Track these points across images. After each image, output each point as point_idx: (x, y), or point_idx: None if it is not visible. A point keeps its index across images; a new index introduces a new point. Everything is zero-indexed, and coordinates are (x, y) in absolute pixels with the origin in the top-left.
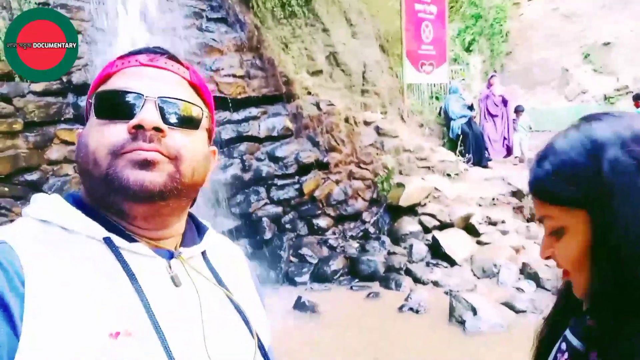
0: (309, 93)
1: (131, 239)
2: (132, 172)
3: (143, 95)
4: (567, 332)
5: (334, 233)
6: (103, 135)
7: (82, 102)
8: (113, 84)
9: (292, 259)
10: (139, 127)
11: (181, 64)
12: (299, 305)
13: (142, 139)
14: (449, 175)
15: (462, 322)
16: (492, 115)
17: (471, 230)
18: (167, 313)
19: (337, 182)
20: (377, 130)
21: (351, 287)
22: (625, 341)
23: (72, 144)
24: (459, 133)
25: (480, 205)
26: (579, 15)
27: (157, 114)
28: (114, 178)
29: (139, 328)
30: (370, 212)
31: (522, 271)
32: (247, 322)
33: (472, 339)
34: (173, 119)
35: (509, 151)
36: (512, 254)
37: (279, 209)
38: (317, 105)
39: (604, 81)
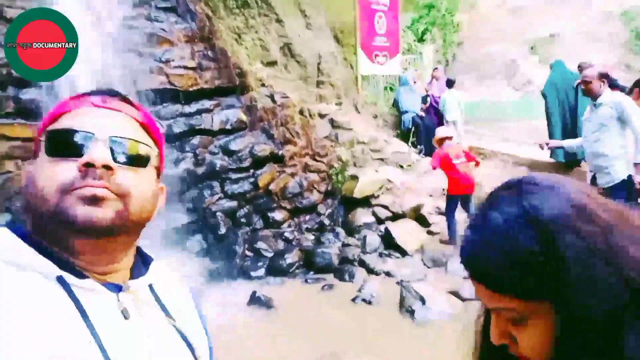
0: (263, 85)
1: (81, 275)
2: (81, 209)
3: (93, 134)
4: None
5: (289, 226)
6: (53, 173)
7: (23, 95)
8: (64, 123)
9: (247, 253)
10: (88, 165)
11: (132, 105)
12: (254, 300)
13: (91, 177)
14: (401, 166)
15: (411, 312)
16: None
17: (422, 220)
18: (118, 346)
19: (293, 175)
20: (332, 122)
21: (306, 280)
22: None
23: (13, 139)
24: (409, 126)
25: (431, 196)
26: (525, 9)
27: (108, 153)
28: (62, 214)
29: None
30: (326, 204)
31: None
32: (192, 351)
33: (421, 328)
34: (122, 158)
35: None
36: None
37: (234, 203)
38: (272, 97)
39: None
